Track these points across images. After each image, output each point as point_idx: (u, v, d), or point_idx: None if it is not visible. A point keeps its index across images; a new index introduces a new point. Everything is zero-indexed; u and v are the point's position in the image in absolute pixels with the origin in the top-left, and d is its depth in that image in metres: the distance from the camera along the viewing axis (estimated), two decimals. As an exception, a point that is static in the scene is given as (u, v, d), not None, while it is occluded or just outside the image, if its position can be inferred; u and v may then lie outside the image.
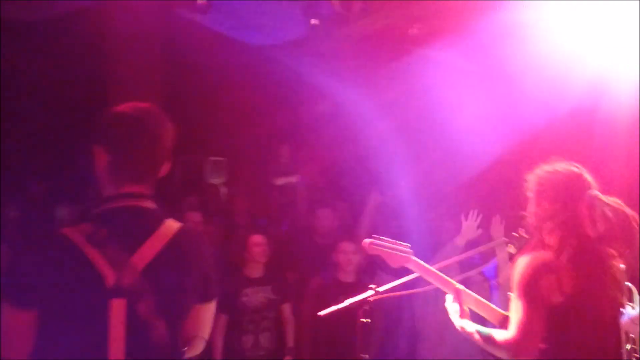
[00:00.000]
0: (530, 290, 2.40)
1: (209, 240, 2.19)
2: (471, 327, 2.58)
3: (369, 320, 2.88)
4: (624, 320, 3.37)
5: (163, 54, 7.17)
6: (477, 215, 4.35)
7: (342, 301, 2.89)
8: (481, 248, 3.00)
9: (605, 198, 2.47)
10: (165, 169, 2.10)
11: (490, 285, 4.28)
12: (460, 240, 4.34)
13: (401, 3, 5.10)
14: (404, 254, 2.89)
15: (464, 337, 2.64)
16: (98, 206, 2.02)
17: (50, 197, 5.03)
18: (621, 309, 2.50)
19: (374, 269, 4.87)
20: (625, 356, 2.51)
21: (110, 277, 1.87)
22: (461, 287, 2.79)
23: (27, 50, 5.90)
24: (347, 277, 4.81)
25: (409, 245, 2.96)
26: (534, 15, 4.51)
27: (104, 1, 5.50)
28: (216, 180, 8.17)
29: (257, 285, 4.89)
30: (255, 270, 4.94)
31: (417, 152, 6.10)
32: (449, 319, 2.71)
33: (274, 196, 7.35)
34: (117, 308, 1.86)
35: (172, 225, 2.02)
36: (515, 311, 2.43)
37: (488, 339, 2.50)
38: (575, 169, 2.54)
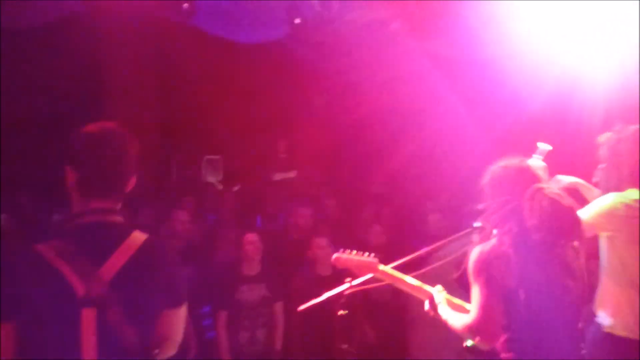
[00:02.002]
0: (484, 274, 2.52)
1: (173, 250, 2.32)
2: (447, 314, 2.75)
3: (347, 311, 3.02)
4: None
5: (154, 56, 7.30)
6: None
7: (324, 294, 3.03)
8: (451, 238, 3.11)
9: (547, 191, 2.57)
10: (132, 183, 2.23)
11: None
12: None
13: (382, 3, 5.21)
14: (369, 265, 3.03)
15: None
16: (68, 222, 2.15)
17: (41, 208, 5.16)
18: (575, 292, 2.59)
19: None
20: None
21: (80, 288, 2.01)
22: (435, 290, 2.89)
23: (20, 59, 6.02)
24: (325, 270, 4.92)
25: (374, 254, 3.07)
26: (511, 12, 4.61)
27: (95, 5, 5.59)
28: (212, 179, 8.29)
29: (253, 283, 4.97)
30: (251, 268, 5.02)
31: (400, 143, 6.24)
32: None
33: (271, 192, 7.43)
34: (88, 317, 2.00)
35: (138, 237, 2.15)
36: (474, 297, 2.56)
37: (455, 324, 2.65)
38: (524, 164, 2.69)
